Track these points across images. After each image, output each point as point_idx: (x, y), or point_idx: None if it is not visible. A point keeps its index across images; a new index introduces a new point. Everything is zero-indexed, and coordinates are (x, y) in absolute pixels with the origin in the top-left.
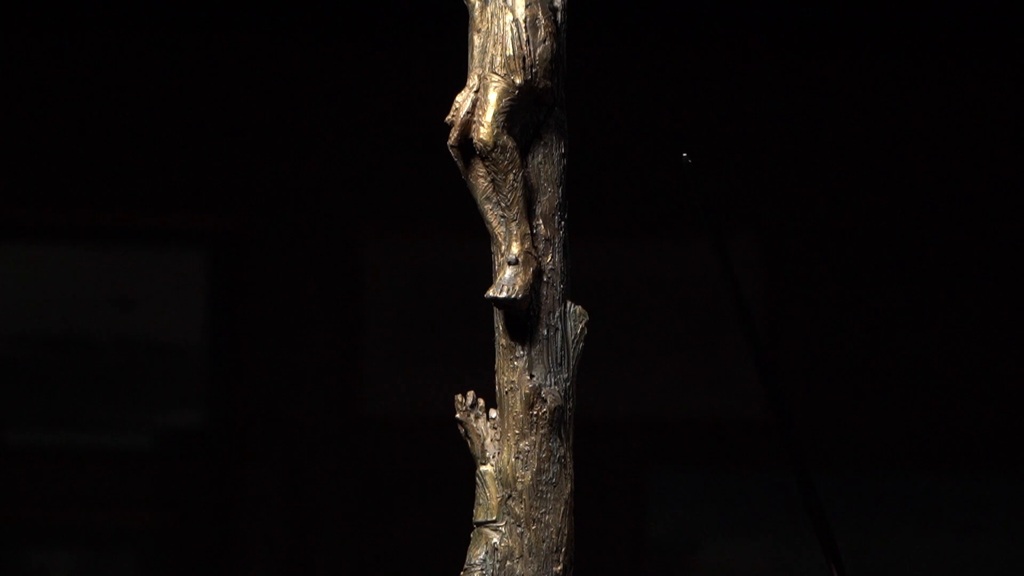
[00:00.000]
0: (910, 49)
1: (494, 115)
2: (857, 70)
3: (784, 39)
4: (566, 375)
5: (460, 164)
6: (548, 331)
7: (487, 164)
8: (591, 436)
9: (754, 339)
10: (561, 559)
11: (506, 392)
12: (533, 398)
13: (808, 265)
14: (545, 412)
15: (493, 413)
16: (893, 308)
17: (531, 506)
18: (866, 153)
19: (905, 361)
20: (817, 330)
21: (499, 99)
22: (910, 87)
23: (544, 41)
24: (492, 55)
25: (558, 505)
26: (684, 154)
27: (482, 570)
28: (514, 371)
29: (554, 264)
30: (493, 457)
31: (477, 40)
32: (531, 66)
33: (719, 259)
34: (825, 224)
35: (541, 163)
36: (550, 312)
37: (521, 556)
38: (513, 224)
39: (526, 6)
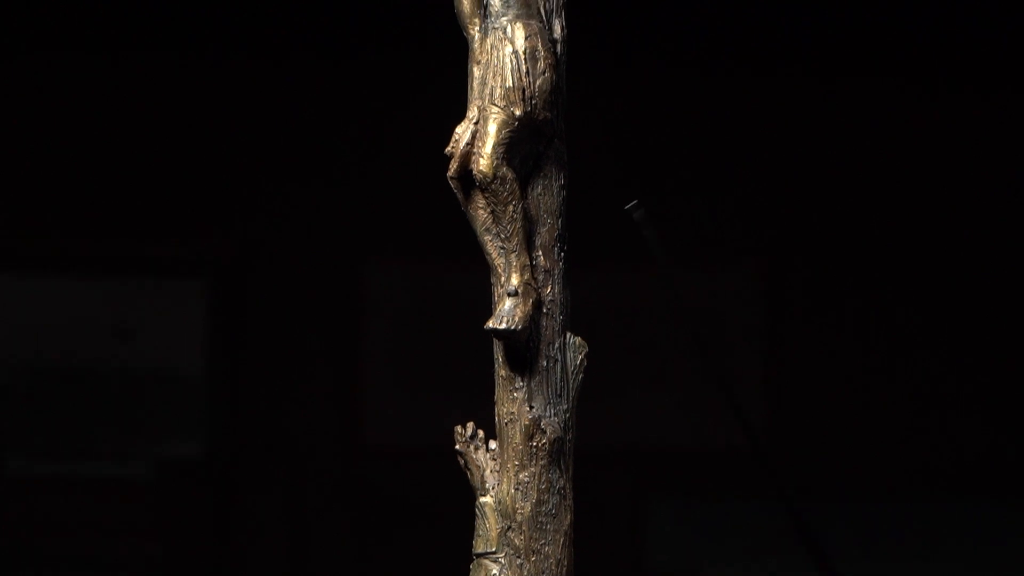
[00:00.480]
0: (912, 76)
1: (494, 146)
2: (858, 97)
3: (783, 68)
4: (566, 406)
5: (460, 195)
6: (548, 362)
7: (487, 195)
8: (591, 466)
9: (719, 375)
10: None
11: (506, 423)
12: (533, 429)
13: (809, 294)
14: (545, 443)
15: (493, 444)
16: (895, 338)
17: (531, 537)
18: (869, 181)
19: (907, 389)
20: (818, 359)
21: (499, 131)
22: (913, 115)
23: (544, 73)
24: (492, 87)
25: (558, 536)
26: (634, 201)
27: None
28: (514, 402)
29: (553, 295)
30: (493, 488)
31: (477, 72)
32: (531, 98)
33: (672, 300)
34: (827, 253)
35: (540, 194)
36: (550, 343)
37: None
38: (513, 255)
39: (526, 38)
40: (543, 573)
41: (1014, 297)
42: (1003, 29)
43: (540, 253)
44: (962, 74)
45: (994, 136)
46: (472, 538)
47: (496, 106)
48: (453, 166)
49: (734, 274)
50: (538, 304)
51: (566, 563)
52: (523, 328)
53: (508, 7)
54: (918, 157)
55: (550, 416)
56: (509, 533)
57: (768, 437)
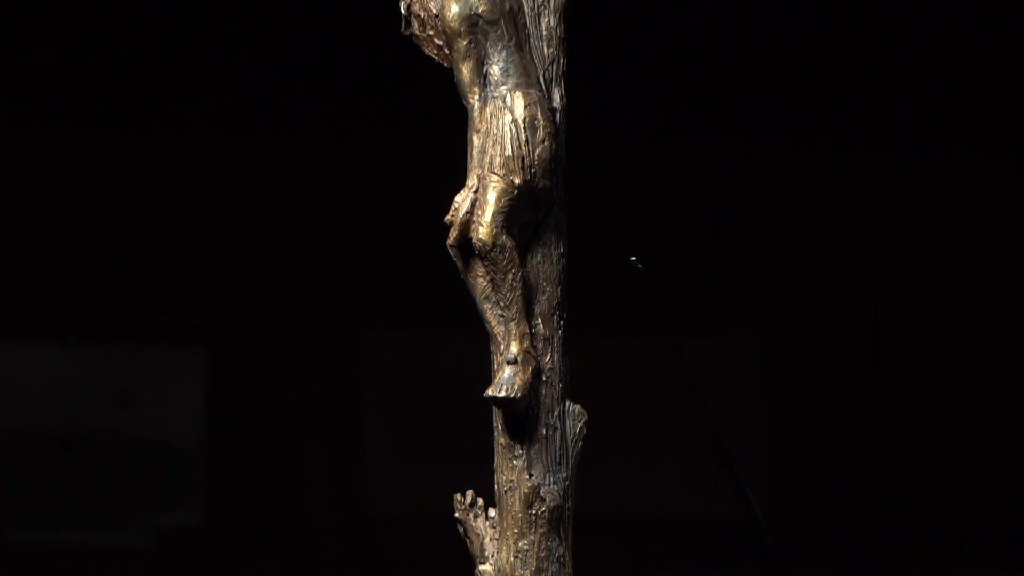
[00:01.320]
0: (913, 145)
1: (493, 215)
2: (859, 165)
3: (784, 136)
4: (565, 474)
5: (459, 264)
6: (547, 430)
7: (486, 264)
8: (590, 534)
9: (717, 441)
10: None
11: (505, 491)
12: (532, 497)
13: (810, 362)
14: (544, 511)
15: (492, 512)
16: (896, 407)
17: None
18: (869, 249)
19: (907, 458)
20: (818, 426)
21: (498, 199)
22: (914, 183)
23: (543, 141)
24: (491, 155)
25: None
26: (633, 258)
27: None
28: (513, 470)
29: (553, 363)
30: (492, 556)
31: (476, 140)
32: (530, 166)
33: (673, 358)
34: (827, 320)
35: (540, 262)
36: (549, 411)
37: None
38: (512, 323)
39: (525, 107)
40: None
41: (1016, 362)
42: (1003, 98)
43: (539, 321)
44: (964, 147)
45: (995, 209)
46: None
47: (495, 174)
48: (453, 234)
49: (733, 343)
50: (537, 372)
51: None
52: (522, 396)
53: (508, 76)
54: (918, 228)
55: (549, 484)
56: None
57: (767, 507)
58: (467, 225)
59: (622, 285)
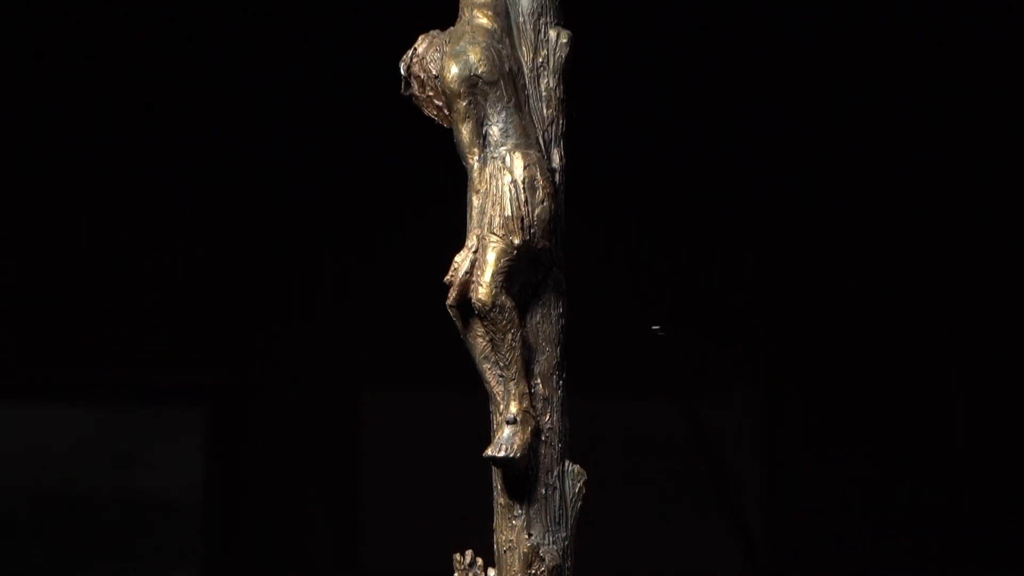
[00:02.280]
0: (911, 203)
1: (492, 275)
2: (857, 225)
3: (782, 199)
4: (564, 534)
5: (459, 324)
6: (546, 490)
7: (485, 324)
8: None
9: (728, 501)
10: None
11: (504, 551)
12: (531, 557)
13: (811, 420)
14: (543, 571)
15: (492, 572)
16: (897, 465)
17: None
18: (868, 308)
19: (909, 515)
20: (819, 486)
21: (497, 259)
22: (912, 240)
23: (542, 202)
24: (491, 215)
25: None
26: (656, 327)
27: None
28: (512, 530)
29: (552, 423)
30: None
31: (476, 200)
32: (529, 227)
33: (690, 422)
34: (828, 379)
35: (539, 323)
36: (548, 471)
37: None
38: (511, 383)
39: (525, 167)
40: None
41: (1017, 415)
42: (1007, 157)
43: (539, 381)
44: (967, 206)
45: (998, 271)
46: None
47: (495, 235)
48: (452, 294)
49: (733, 404)
50: (537, 432)
51: None
52: (522, 456)
53: (507, 136)
54: (917, 286)
55: (549, 544)
56: None
57: (767, 565)
58: (466, 285)
59: (624, 345)
